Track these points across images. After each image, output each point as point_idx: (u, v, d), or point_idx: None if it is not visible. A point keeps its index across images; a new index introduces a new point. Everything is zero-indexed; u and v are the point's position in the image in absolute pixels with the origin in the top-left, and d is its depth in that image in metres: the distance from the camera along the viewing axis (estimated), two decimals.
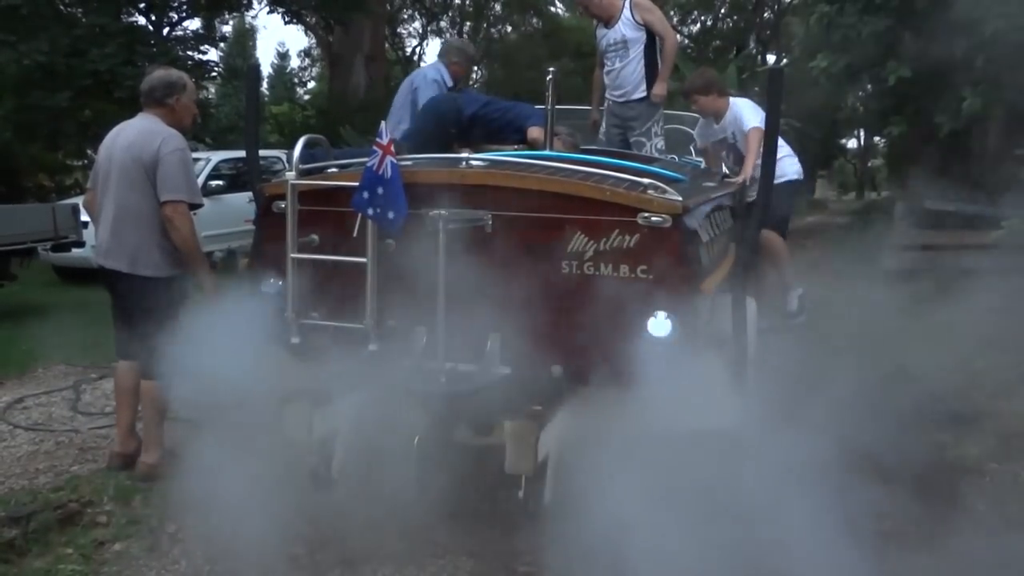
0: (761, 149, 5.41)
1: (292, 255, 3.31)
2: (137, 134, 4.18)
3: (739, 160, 5.60)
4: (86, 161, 20.82)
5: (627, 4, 5.57)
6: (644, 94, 5.62)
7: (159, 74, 4.38)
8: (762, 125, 5.14)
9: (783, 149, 5.59)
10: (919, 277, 6.96)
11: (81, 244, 9.55)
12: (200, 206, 4.35)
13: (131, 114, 4.50)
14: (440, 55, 6.36)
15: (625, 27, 5.58)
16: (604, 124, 5.95)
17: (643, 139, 5.63)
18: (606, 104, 5.95)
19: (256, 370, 3.13)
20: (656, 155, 5.56)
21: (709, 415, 2.80)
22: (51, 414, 5.51)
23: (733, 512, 2.75)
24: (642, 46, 5.58)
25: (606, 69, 5.82)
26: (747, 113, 5.57)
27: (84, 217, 9.47)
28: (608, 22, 5.68)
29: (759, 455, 2.83)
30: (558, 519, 2.96)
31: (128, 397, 4.34)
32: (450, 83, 5.88)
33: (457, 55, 6.14)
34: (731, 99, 5.81)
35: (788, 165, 5.72)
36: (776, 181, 4.95)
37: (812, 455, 2.91)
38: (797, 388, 3.22)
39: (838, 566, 2.75)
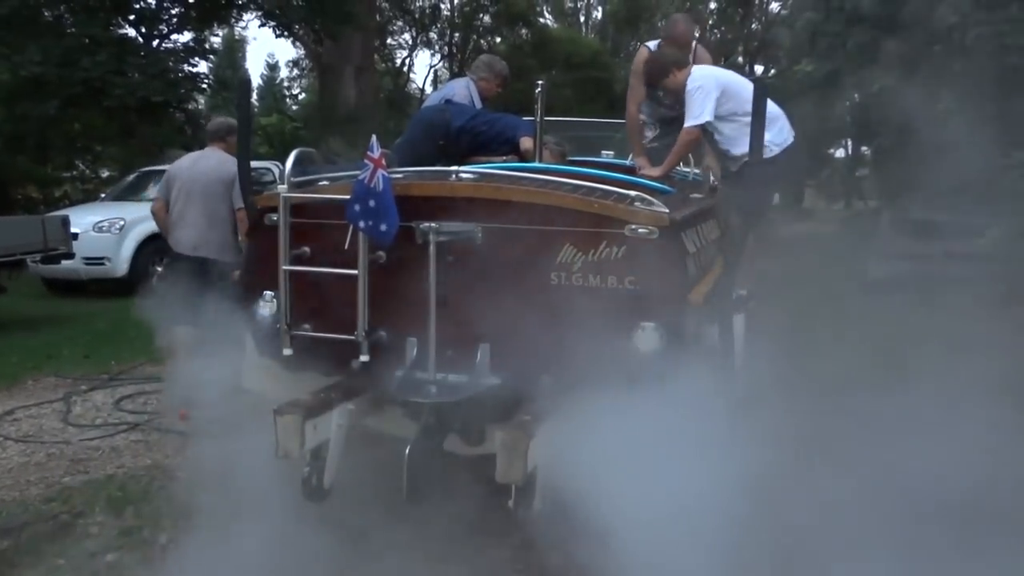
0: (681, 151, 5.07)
1: (284, 267, 3.35)
2: (218, 163, 5.63)
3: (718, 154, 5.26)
4: (75, 173, 20.83)
5: None
6: None
7: (225, 119, 6.10)
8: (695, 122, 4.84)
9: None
10: (904, 286, 7.03)
11: (71, 256, 9.53)
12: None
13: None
14: (470, 71, 6.01)
15: None
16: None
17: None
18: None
19: None
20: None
21: (693, 424, 2.84)
22: (42, 426, 5.52)
23: (721, 521, 2.78)
24: None
25: None
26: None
27: (74, 229, 9.53)
28: None
29: (746, 462, 2.87)
30: (548, 528, 2.99)
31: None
32: (478, 100, 5.56)
33: (485, 70, 5.73)
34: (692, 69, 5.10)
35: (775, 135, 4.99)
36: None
37: (798, 461, 2.95)
38: (780, 396, 3.26)
39: None
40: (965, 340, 4.38)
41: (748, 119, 4.76)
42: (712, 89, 4.93)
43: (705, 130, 5.09)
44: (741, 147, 4.96)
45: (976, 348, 4.29)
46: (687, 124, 4.98)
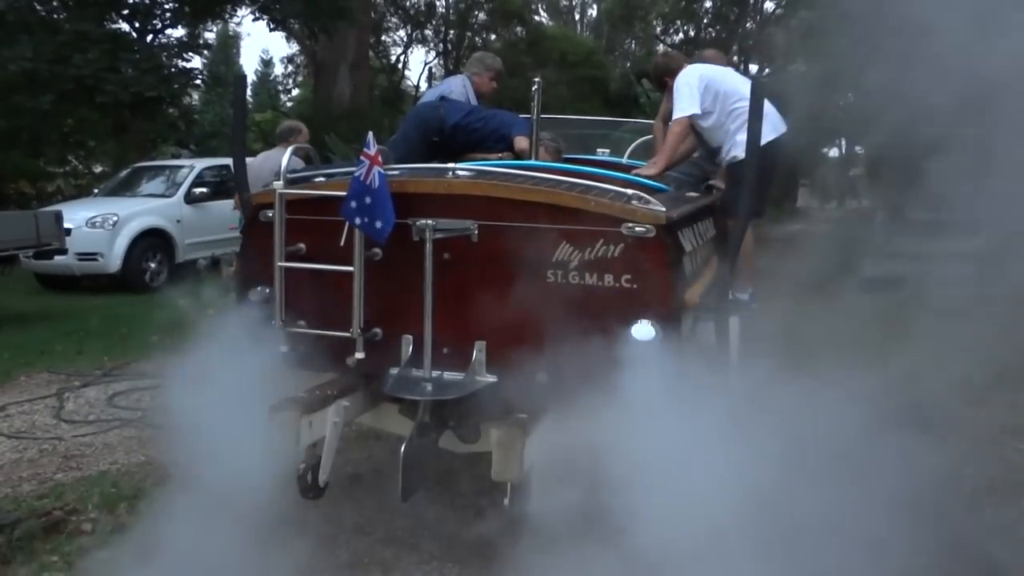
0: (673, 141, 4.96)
1: (279, 263, 3.33)
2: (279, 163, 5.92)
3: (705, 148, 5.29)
4: (68, 168, 20.76)
5: None
6: None
7: (291, 123, 7.24)
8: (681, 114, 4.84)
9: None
10: (898, 285, 7.04)
11: (64, 251, 9.49)
12: None
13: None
14: (466, 68, 5.90)
15: None
16: None
17: None
18: None
19: None
20: None
21: (692, 423, 2.84)
22: (34, 422, 5.50)
23: (716, 519, 2.78)
24: None
25: None
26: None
27: (67, 224, 9.49)
28: None
29: (740, 462, 2.86)
30: (544, 526, 2.98)
31: None
32: (474, 97, 5.49)
33: (480, 67, 5.64)
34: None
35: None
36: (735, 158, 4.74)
37: (790, 461, 2.95)
38: (775, 395, 3.26)
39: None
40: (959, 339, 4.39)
41: (729, 115, 4.93)
42: (696, 83, 4.95)
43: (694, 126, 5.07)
44: (724, 143, 4.99)
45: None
46: (674, 116, 4.99)
